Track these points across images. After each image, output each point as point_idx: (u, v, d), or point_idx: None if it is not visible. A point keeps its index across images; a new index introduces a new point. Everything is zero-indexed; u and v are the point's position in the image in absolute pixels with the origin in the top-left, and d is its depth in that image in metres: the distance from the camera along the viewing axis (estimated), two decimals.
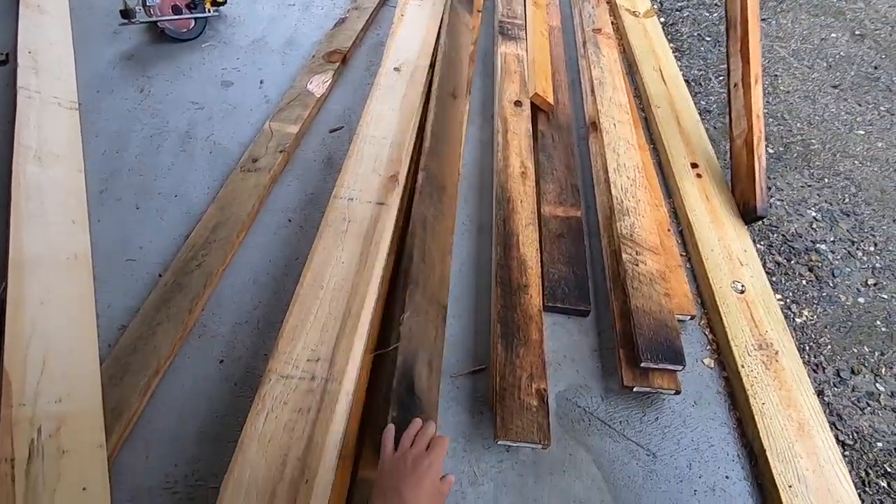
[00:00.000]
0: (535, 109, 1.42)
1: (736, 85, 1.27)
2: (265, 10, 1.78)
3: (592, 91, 1.45)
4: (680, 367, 0.90)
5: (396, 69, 1.34)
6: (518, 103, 1.39)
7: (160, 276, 1.05)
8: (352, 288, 0.85)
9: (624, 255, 1.05)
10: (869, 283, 1.32)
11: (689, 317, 1.04)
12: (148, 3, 1.54)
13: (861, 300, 1.28)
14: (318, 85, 1.46)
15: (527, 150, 1.28)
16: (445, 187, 1.13)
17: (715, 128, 1.67)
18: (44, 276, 0.93)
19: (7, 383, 0.77)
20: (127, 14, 1.53)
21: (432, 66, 1.42)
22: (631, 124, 1.34)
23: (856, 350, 1.19)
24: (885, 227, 1.44)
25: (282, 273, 1.08)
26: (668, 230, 1.19)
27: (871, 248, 1.39)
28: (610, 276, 1.08)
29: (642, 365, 0.90)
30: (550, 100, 1.41)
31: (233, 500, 0.64)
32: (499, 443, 0.83)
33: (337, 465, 0.75)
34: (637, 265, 1.03)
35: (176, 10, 1.59)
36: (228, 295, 1.04)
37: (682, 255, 1.17)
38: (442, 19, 1.57)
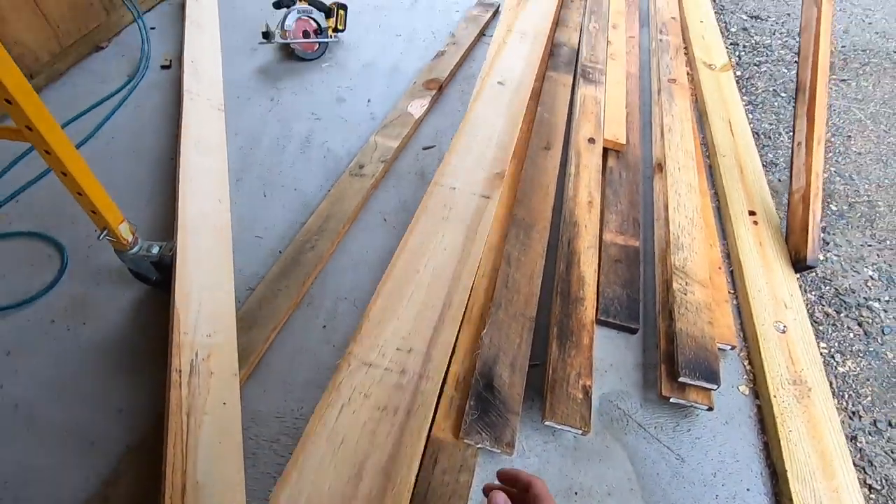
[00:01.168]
0: (607, 147, 1.57)
1: (800, 144, 1.37)
2: (376, 39, 2.06)
3: (662, 136, 1.59)
4: (715, 386, 1.02)
5: (500, 83, 1.47)
6: (592, 140, 1.56)
7: (280, 252, 1.29)
8: (453, 277, 0.82)
9: (675, 284, 1.18)
10: None
11: (730, 346, 1.15)
12: (285, 27, 1.84)
13: None
14: (417, 108, 1.69)
15: (595, 183, 1.44)
16: (535, 225, 1.30)
17: (780, 180, 1.75)
18: (200, 239, 1.19)
19: (177, 316, 1.01)
20: (267, 35, 1.83)
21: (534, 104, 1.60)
22: (694, 169, 1.47)
23: None
24: None
25: (376, 263, 1.29)
26: (720, 268, 1.30)
27: None
28: (660, 302, 1.21)
29: (680, 379, 1.03)
30: (622, 142, 1.56)
31: None
32: (546, 423, 0.98)
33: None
34: (686, 294, 1.16)
35: (305, 34, 1.89)
36: (332, 275, 1.26)
37: (730, 292, 1.28)
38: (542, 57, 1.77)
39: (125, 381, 1.05)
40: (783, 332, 1.16)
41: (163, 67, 1.85)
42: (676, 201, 1.37)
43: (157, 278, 1.16)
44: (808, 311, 1.42)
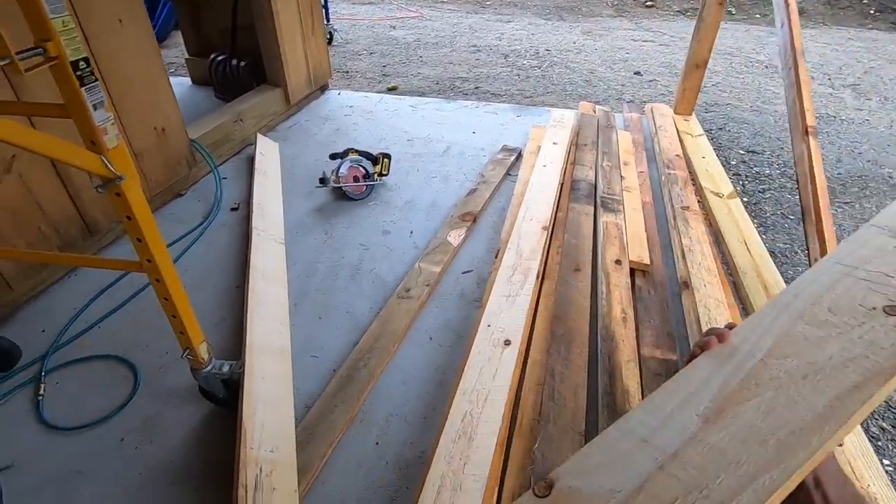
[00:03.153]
0: (633, 268, 1.70)
1: (816, 260, 1.48)
2: (415, 181, 2.35)
3: (683, 256, 1.71)
4: None
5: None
6: (618, 262, 1.69)
7: (335, 370, 1.37)
8: None
9: None
10: None
11: None
12: (339, 174, 2.14)
13: None
14: (455, 237, 1.88)
15: (626, 300, 1.53)
16: (574, 339, 1.39)
17: None
18: (264, 360, 1.29)
19: (244, 432, 1.07)
20: (323, 181, 2.13)
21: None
22: (720, 286, 1.56)
23: None
24: None
25: (424, 379, 1.36)
26: None
27: None
28: None
29: None
30: (647, 262, 1.69)
31: None
32: None
33: None
34: None
35: (355, 179, 2.18)
36: (384, 391, 1.32)
37: None
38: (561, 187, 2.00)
39: (188, 500, 1.08)
40: (840, 445, 1.14)
41: (232, 210, 2.12)
42: (708, 315, 1.44)
43: (223, 396, 1.24)
44: (862, 426, 1.39)
